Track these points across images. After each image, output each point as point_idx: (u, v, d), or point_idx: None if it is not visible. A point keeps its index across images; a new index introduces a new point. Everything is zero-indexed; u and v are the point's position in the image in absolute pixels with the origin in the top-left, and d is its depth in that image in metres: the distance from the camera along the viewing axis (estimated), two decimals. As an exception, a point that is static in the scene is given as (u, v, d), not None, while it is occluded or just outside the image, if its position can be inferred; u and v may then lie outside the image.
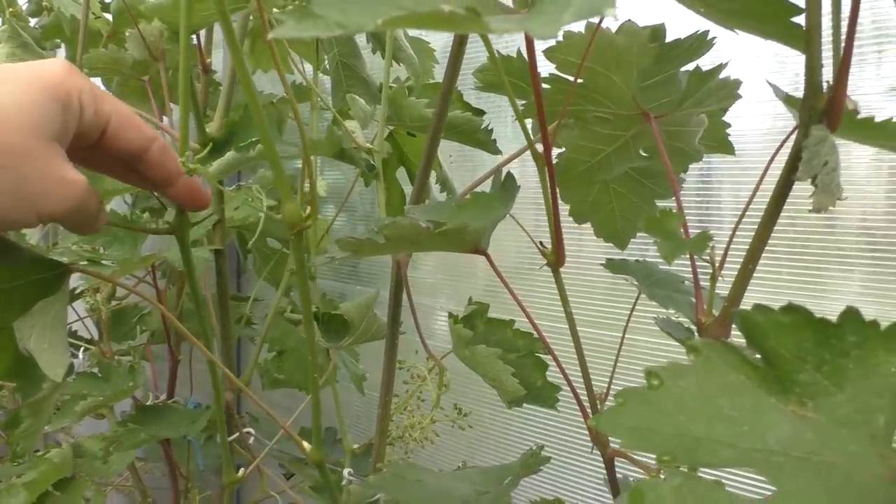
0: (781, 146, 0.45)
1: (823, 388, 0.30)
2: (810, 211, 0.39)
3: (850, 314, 0.29)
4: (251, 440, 0.82)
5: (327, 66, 0.97)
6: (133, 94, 1.03)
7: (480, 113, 0.88)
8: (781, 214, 0.39)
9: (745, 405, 0.30)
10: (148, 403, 0.87)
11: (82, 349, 1.08)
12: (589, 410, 0.50)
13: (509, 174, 0.51)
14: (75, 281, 1.28)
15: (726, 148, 0.62)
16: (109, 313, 1.01)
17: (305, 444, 0.58)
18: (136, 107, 0.98)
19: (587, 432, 0.50)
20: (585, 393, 0.48)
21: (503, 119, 1.10)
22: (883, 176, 0.77)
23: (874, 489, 0.28)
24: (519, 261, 1.08)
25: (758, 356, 0.30)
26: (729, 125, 0.60)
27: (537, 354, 0.77)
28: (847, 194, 0.41)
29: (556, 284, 0.42)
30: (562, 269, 0.43)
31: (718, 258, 0.44)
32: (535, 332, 0.76)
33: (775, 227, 0.39)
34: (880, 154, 0.78)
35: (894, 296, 0.77)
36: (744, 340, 0.31)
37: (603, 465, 0.51)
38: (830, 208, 0.38)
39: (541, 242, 0.43)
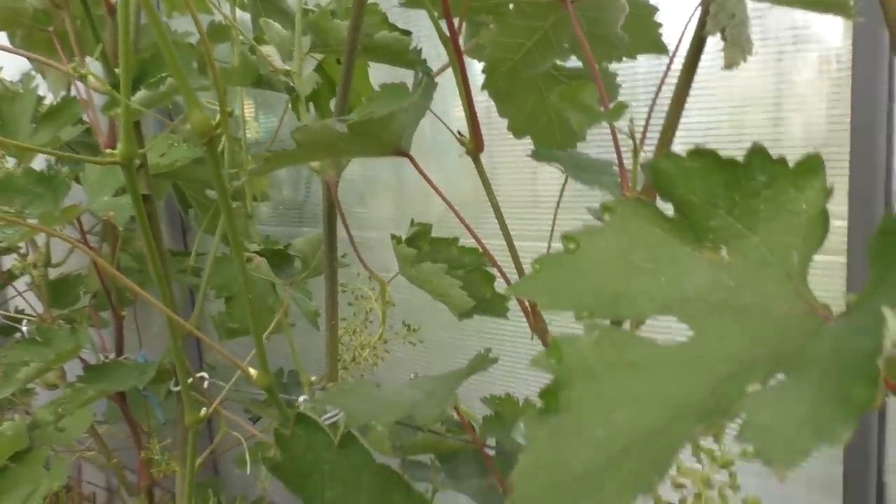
0: (694, 12, 0.44)
1: (737, 232, 0.29)
2: (722, 68, 0.38)
3: (757, 152, 0.29)
4: (206, 384, 0.81)
5: (245, 2, 0.93)
6: (40, 46, 0.98)
7: (408, 33, 0.85)
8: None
9: (661, 257, 0.30)
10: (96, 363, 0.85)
11: (24, 322, 1.05)
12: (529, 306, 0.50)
13: (426, 71, 0.49)
14: (8, 262, 1.24)
15: (659, 47, 0.61)
16: (45, 279, 0.98)
17: (252, 371, 0.57)
18: (47, 58, 0.93)
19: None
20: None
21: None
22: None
23: (791, 324, 0.28)
24: (474, 196, 1.07)
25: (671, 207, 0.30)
26: (661, 25, 0.59)
27: (484, 269, 0.76)
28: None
29: (477, 171, 0.41)
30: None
31: (639, 134, 0.43)
32: (480, 248, 0.77)
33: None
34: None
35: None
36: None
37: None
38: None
39: (458, 132, 0.42)
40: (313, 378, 0.88)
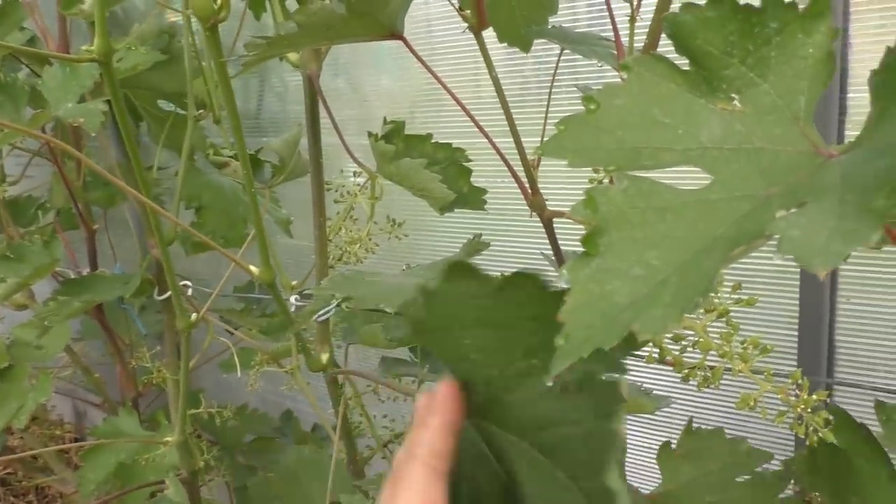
0: None
1: (749, 81, 0.31)
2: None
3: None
4: (189, 292, 0.82)
5: None
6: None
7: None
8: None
9: (677, 111, 0.32)
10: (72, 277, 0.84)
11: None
12: (527, 184, 0.51)
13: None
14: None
15: None
16: (3, 199, 0.95)
17: (252, 268, 0.58)
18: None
19: (525, 210, 0.52)
20: (520, 164, 0.49)
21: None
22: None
23: (799, 162, 0.30)
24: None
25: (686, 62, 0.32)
26: None
27: (460, 163, 0.78)
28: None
29: (480, 49, 0.42)
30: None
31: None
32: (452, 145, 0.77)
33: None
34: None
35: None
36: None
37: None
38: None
39: (459, 7, 0.43)
40: (294, 283, 0.89)
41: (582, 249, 0.28)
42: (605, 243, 0.29)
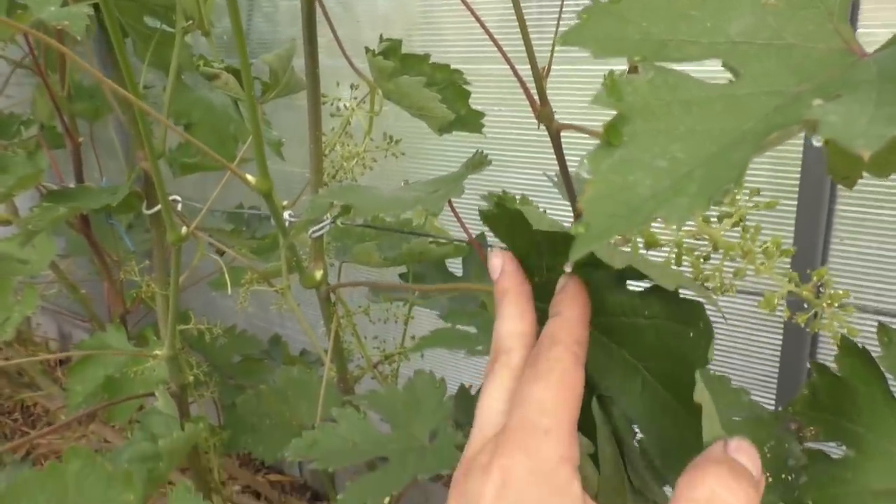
0: None
1: (782, -27, 0.30)
2: None
3: None
4: (178, 207, 0.80)
5: None
6: None
7: None
8: None
9: (706, 3, 0.31)
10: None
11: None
12: (536, 97, 0.50)
13: None
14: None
15: None
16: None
17: (249, 177, 0.57)
18: None
19: (532, 121, 0.51)
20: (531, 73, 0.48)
21: None
22: None
23: (832, 61, 0.29)
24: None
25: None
26: None
27: (458, 85, 0.76)
28: None
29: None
30: None
31: None
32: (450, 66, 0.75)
33: None
34: None
35: None
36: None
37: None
38: None
39: None
40: (284, 202, 0.88)
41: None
42: (629, 133, 0.28)
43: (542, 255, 0.36)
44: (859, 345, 0.44)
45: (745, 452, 0.29)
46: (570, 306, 0.33)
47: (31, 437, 0.79)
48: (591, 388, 0.36)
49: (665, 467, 0.34)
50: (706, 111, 0.28)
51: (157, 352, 0.78)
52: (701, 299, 0.32)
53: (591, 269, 0.34)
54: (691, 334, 0.32)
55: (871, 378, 0.43)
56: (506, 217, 0.36)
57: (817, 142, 0.22)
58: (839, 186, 0.82)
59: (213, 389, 0.95)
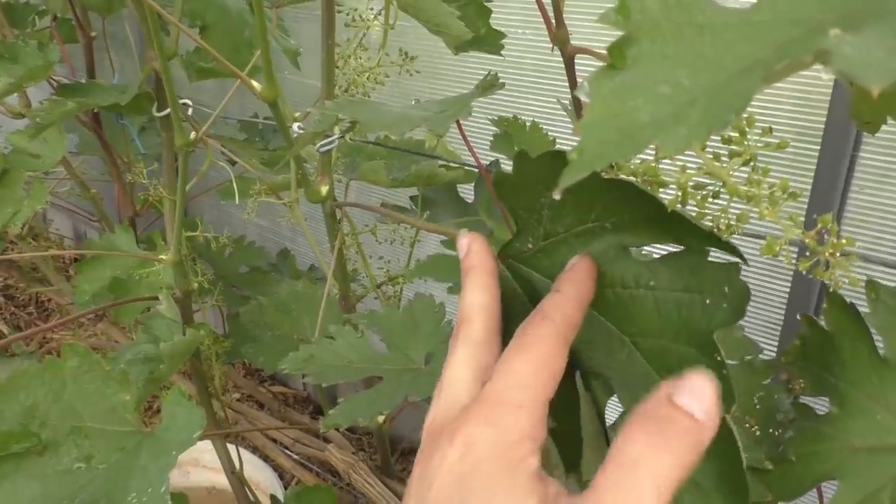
0: None
1: None
2: None
3: None
4: (190, 111, 0.79)
5: None
6: None
7: None
8: None
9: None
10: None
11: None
12: (552, 18, 0.48)
13: None
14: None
15: None
16: (1, -2, 0.90)
17: (255, 84, 0.56)
18: None
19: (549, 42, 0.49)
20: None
21: None
22: None
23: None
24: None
25: None
26: None
27: (479, 2, 0.73)
28: None
29: None
30: None
31: None
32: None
33: None
34: None
35: None
36: None
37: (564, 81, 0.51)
38: None
39: None
40: (297, 114, 0.87)
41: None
42: (634, 55, 0.26)
43: (540, 222, 0.36)
44: (847, 300, 0.43)
45: (693, 394, 0.27)
46: (573, 286, 0.33)
47: (40, 329, 0.81)
48: (576, 363, 0.35)
49: None
50: (719, 37, 0.26)
51: (163, 256, 0.79)
52: (734, 259, 0.32)
53: (589, 237, 0.34)
54: (708, 301, 0.32)
55: (857, 334, 0.42)
56: (512, 179, 0.35)
57: (827, 74, 0.21)
58: (865, 134, 0.79)
59: (218, 298, 0.96)
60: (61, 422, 0.57)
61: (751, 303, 0.33)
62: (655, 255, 0.34)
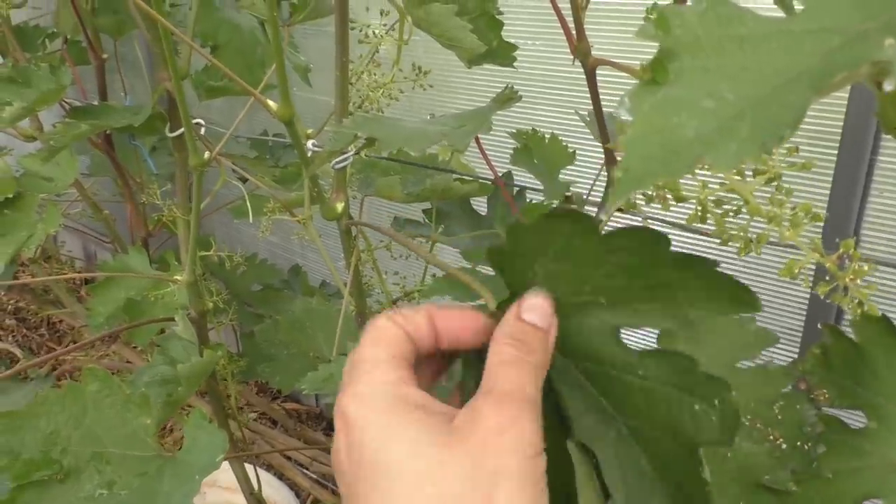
0: None
1: None
2: None
3: None
4: (202, 131, 0.79)
5: None
6: None
7: None
8: None
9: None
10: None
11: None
12: (573, 30, 0.47)
13: None
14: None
15: None
16: (8, 22, 0.90)
17: (271, 103, 0.55)
18: None
19: (567, 57, 0.48)
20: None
21: None
22: None
23: (902, -2, 0.26)
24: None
25: None
26: None
27: (491, 14, 0.73)
28: None
29: None
30: None
31: None
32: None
33: None
34: None
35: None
36: None
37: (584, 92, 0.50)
38: None
39: None
40: (309, 131, 0.86)
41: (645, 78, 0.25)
42: (676, 70, 0.25)
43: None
44: (879, 312, 0.42)
45: (535, 310, 0.33)
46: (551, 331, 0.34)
47: (55, 354, 0.80)
48: (567, 429, 0.34)
49: None
50: (760, 48, 0.26)
51: (178, 277, 0.78)
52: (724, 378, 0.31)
53: (582, 315, 0.34)
54: (697, 407, 0.31)
55: (890, 345, 0.41)
56: (506, 249, 0.34)
57: (889, 86, 0.20)
58: (883, 137, 0.78)
59: (233, 317, 0.95)
60: (82, 448, 0.57)
61: (770, 308, 0.32)
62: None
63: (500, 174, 0.82)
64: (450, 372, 0.39)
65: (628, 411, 0.33)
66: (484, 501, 0.28)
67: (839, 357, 0.43)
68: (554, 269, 0.33)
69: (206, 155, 0.70)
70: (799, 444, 0.43)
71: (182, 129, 0.78)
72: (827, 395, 0.44)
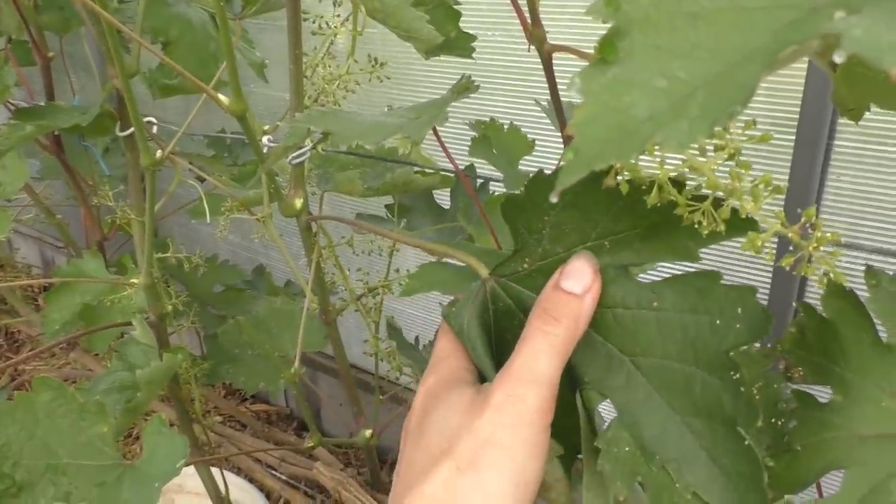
0: None
1: None
2: None
3: None
4: (154, 129, 0.76)
5: None
6: None
7: None
8: None
9: None
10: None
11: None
12: (527, 15, 0.46)
13: None
14: None
15: None
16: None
17: (222, 97, 0.54)
18: None
19: (524, 46, 0.47)
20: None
21: None
22: None
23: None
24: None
25: None
26: None
27: (448, 5, 0.72)
28: None
29: None
30: None
31: None
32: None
33: None
34: None
35: None
36: None
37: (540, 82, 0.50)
38: None
39: None
40: (266, 127, 0.85)
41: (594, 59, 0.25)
42: (626, 49, 0.25)
43: (540, 242, 0.36)
44: (846, 287, 0.42)
45: (571, 276, 0.33)
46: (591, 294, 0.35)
47: (12, 363, 0.77)
48: (574, 381, 0.35)
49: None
50: (713, 25, 0.25)
51: (134, 280, 0.76)
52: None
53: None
54: (718, 322, 0.32)
55: (859, 322, 0.41)
56: (521, 198, 0.36)
57: (839, 58, 0.20)
58: (839, 122, 0.79)
59: (194, 319, 0.93)
60: (36, 460, 0.55)
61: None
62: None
63: (462, 167, 0.81)
64: None
65: (639, 349, 0.34)
66: (470, 463, 0.31)
67: (812, 333, 0.43)
68: (562, 219, 0.35)
69: (159, 154, 0.68)
70: (773, 420, 0.44)
71: (132, 129, 0.76)
72: (801, 373, 0.44)
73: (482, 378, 0.37)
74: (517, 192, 0.36)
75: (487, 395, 0.33)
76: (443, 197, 0.85)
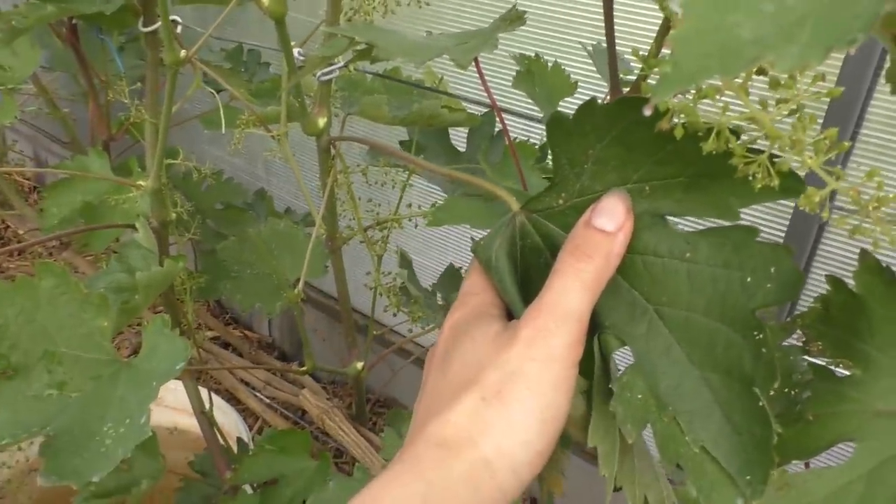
0: None
1: None
2: None
3: None
4: (178, 29, 0.74)
5: None
6: None
7: None
8: None
9: None
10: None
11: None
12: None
13: None
14: None
15: None
16: None
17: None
18: None
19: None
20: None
21: None
22: None
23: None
24: None
25: None
26: None
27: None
28: None
29: None
30: None
31: None
32: None
33: None
34: None
35: None
36: None
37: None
38: None
39: None
40: (294, 43, 0.82)
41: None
42: (733, -29, 0.24)
43: (580, 177, 0.35)
44: (882, 263, 0.41)
45: (603, 213, 0.33)
46: (624, 231, 0.34)
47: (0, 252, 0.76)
48: (594, 326, 0.35)
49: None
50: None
51: (141, 182, 0.74)
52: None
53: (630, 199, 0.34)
54: (749, 279, 0.31)
55: (891, 299, 0.41)
56: (570, 124, 0.34)
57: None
58: (867, 111, 0.78)
59: (196, 231, 0.92)
60: (33, 345, 0.54)
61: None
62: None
63: (481, 112, 0.80)
64: None
65: (665, 298, 0.33)
66: (497, 394, 0.32)
67: (838, 308, 0.43)
68: (606, 155, 0.33)
69: (183, 53, 0.66)
70: (787, 390, 0.44)
71: (157, 25, 0.73)
72: (820, 347, 0.44)
73: (509, 315, 0.37)
74: (566, 114, 0.34)
75: (516, 330, 0.33)
76: (457, 139, 0.83)
